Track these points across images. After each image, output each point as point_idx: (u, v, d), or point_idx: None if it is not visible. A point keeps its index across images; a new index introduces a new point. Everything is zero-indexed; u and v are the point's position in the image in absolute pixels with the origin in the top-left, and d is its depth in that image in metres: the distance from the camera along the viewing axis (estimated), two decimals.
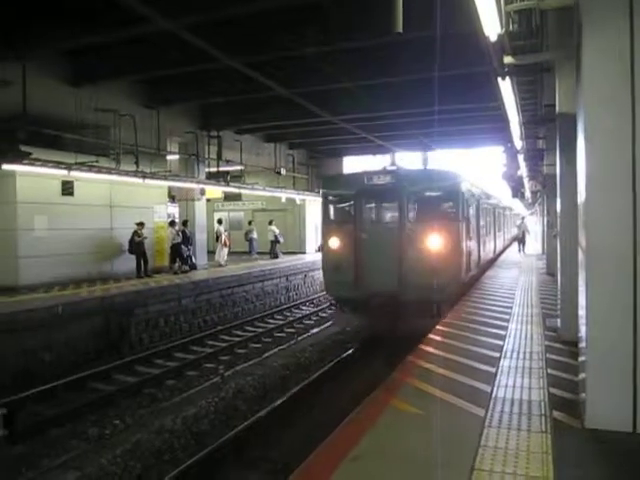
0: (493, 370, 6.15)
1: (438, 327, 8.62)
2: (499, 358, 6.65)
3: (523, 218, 31.20)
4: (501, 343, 7.41)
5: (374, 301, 11.05)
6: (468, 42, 9.17)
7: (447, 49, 11.90)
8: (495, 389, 5.50)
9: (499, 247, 23.41)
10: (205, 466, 6.66)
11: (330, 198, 12.66)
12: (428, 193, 11.55)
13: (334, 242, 11.92)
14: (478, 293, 12.33)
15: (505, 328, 8.39)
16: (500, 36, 5.57)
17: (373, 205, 11.97)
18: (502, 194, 27.98)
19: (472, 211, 13.22)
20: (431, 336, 8.00)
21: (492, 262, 19.81)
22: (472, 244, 13.00)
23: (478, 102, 15.62)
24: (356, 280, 11.39)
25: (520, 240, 26.97)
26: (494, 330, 8.24)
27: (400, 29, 4.63)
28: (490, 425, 4.58)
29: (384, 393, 5.50)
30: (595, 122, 4.50)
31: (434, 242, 10.92)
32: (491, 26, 5.42)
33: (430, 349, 7.22)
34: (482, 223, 15.60)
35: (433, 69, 13.10)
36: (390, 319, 10.74)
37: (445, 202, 11.53)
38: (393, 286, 10.93)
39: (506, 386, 5.60)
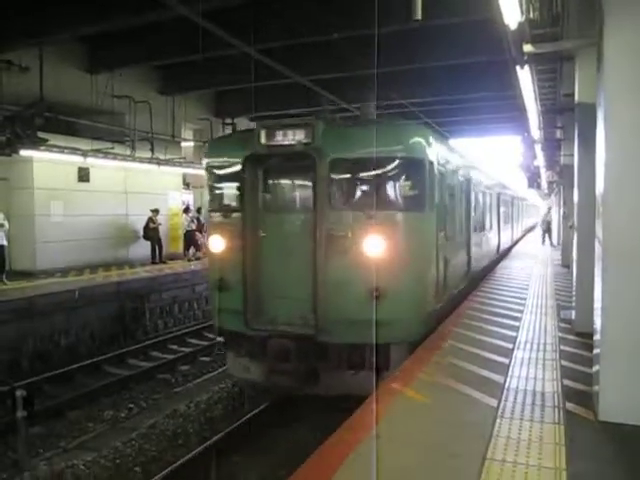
0: (506, 361, 6.14)
1: (451, 317, 8.60)
2: (512, 349, 6.64)
3: (550, 209, 29.55)
4: (515, 334, 7.39)
5: (275, 344, 6.77)
6: (486, 30, 9.06)
7: (464, 37, 11.81)
8: (508, 380, 5.50)
9: (504, 246, 18.60)
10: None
11: (214, 172, 7.89)
12: (369, 162, 6.62)
13: (217, 243, 7.50)
14: (491, 283, 12.26)
15: (519, 319, 8.36)
16: (520, 24, 5.49)
17: (274, 182, 7.57)
18: (511, 179, 26.42)
19: (452, 195, 8.95)
20: (444, 327, 7.99)
21: (492, 267, 15.08)
22: (452, 248, 8.79)
23: (494, 90, 15.46)
24: (246, 307, 7.06)
25: (545, 231, 26.62)
26: (508, 321, 8.21)
27: (419, 17, 4.58)
28: (503, 415, 4.58)
29: (397, 383, 5.52)
30: (616, 112, 4.44)
31: (378, 245, 6.48)
32: (511, 14, 5.35)
33: (443, 340, 7.21)
34: (475, 215, 11.60)
35: (450, 57, 13.03)
36: (303, 373, 6.72)
37: (399, 178, 6.90)
38: (306, 319, 6.80)
39: (519, 377, 5.60)
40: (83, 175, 14.94)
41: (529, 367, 5.94)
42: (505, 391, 5.18)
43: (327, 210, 6.69)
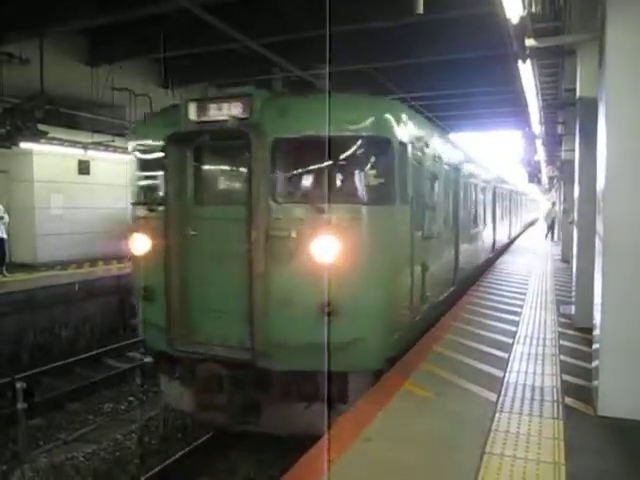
0: (506, 356, 6.15)
1: (452, 311, 8.62)
2: (512, 344, 6.65)
3: (554, 204, 29.07)
4: (514, 329, 7.40)
5: (204, 371, 5.53)
6: (486, 24, 9.02)
7: (464, 31, 11.75)
8: (507, 374, 5.51)
9: (500, 243, 17.15)
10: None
11: (137, 156, 6.56)
12: (322, 143, 4.98)
13: (139, 243, 6.22)
14: (491, 278, 12.26)
15: (519, 314, 8.37)
16: (522, 18, 5.47)
17: (207, 168, 6.35)
18: (510, 172, 25.79)
19: (435, 187, 7.73)
20: (444, 320, 8.00)
21: (486, 266, 13.92)
22: (433, 249, 7.46)
23: (495, 85, 15.41)
24: (170, 323, 5.79)
25: (550, 226, 26.51)
26: (508, 316, 8.23)
27: (421, 10, 4.56)
28: (502, 410, 4.59)
29: (397, 376, 5.53)
30: (617, 107, 4.42)
31: (331, 247, 5.15)
32: (513, 7, 5.33)
33: (444, 334, 7.22)
34: (465, 210, 10.40)
35: (450, 51, 12.98)
36: (239, 407, 5.51)
37: (362, 162, 5.53)
38: (241, 342, 5.48)
39: (519, 372, 5.61)
40: (83, 168, 14.93)
41: (529, 362, 5.95)
42: (504, 385, 5.19)
43: (267, 203, 5.32)
